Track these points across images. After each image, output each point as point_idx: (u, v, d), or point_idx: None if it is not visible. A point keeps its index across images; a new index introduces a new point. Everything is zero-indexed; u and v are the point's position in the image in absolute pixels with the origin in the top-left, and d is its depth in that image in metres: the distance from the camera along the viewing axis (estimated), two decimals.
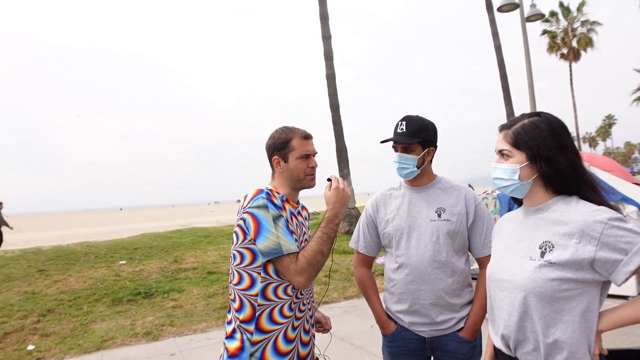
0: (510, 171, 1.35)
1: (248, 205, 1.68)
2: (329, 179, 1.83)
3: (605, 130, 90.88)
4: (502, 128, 1.42)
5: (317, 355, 1.94)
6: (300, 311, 1.77)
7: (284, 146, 1.80)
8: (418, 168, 1.91)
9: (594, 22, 31.79)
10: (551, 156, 1.31)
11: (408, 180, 1.99)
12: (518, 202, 1.52)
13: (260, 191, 1.72)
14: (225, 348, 1.71)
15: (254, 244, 1.66)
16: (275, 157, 1.82)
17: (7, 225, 13.04)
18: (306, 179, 1.82)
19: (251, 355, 1.66)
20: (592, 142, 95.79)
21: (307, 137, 1.84)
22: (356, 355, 4.30)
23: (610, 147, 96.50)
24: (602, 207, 1.25)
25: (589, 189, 1.31)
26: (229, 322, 1.75)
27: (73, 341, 4.97)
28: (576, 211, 1.27)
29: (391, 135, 1.94)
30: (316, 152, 1.87)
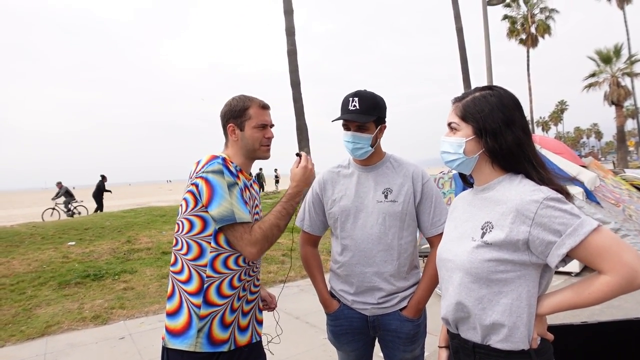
0: (457, 144, 1.31)
1: (202, 170, 1.59)
2: (298, 155, 1.80)
3: (557, 115, 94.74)
4: (455, 101, 1.38)
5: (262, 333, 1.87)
6: (247, 282, 1.72)
7: (241, 114, 1.74)
8: (372, 147, 1.85)
9: (552, 10, 32.72)
10: (497, 130, 1.25)
11: (358, 159, 1.91)
12: (467, 183, 1.49)
13: (215, 157, 1.64)
14: (167, 329, 1.60)
15: (206, 210, 1.58)
16: (230, 124, 1.75)
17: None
18: (261, 150, 1.77)
19: (199, 331, 1.57)
20: (545, 126, 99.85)
21: (264, 107, 1.78)
22: (310, 333, 4.30)
23: (561, 131, 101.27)
24: (541, 187, 1.20)
25: (534, 168, 1.26)
26: (171, 297, 1.63)
27: (15, 327, 4.69)
28: (516, 190, 1.23)
29: (341, 113, 1.83)
30: (273, 124, 1.81)
